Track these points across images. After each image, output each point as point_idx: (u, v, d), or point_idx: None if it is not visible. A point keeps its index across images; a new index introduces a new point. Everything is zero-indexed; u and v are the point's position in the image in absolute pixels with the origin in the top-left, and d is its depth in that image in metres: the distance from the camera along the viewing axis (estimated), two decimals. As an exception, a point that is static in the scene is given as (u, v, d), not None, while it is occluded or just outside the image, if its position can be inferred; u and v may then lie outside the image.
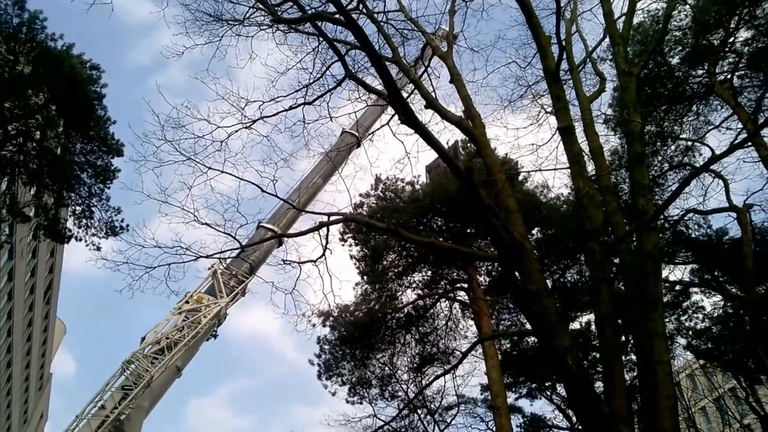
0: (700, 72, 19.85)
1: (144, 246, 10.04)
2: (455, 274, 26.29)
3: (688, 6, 18.56)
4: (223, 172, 10.14)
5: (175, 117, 10.49)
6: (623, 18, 12.90)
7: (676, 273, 23.28)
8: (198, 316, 28.42)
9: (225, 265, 29.33)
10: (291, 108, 10.65)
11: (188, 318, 28.30)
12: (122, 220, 18.07)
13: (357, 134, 24.30)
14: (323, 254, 10.34)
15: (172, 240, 10.42)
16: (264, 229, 16.69)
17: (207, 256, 13.62)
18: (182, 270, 10.25)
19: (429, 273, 26.60)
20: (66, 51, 15.53)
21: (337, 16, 8.15)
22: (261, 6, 9.16)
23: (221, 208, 10.40)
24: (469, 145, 22.88)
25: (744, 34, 18.52)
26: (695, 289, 22.80)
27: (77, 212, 17.92)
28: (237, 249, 12.12)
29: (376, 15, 10.36)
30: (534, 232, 24.47)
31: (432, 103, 10.65)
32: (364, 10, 9.62)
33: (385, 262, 25.97)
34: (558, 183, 38.39)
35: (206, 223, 10.03)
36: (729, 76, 19.12)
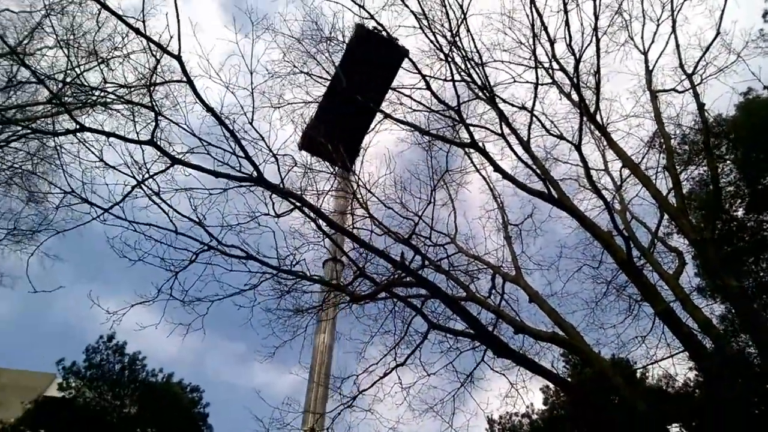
0: (769, 216, 19.25)
1: None
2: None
3: (728, 161, 18.77)
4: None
5: (278, 417, 10.54)
6: (672, 192, 12.98)
7: None
8: None
9: None
10: (386, 374, 10.62)
11: None
12: None
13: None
14: None
15: None
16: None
17: None
18: None
19: None
20: (166, 382, 16.49)
21: (407, 278, 8.54)
22: (337, 289, 9.75)
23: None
24: (571, 356, 21.74)
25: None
26: None
27: None
28: None
29: (440, 264, 10.82)
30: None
31: (520, 328, 10.46)
32: (431, 266, 10.08)
33: None
34: (680, 370, 34.78)
35: None
36: (802, 210, 18.44)
